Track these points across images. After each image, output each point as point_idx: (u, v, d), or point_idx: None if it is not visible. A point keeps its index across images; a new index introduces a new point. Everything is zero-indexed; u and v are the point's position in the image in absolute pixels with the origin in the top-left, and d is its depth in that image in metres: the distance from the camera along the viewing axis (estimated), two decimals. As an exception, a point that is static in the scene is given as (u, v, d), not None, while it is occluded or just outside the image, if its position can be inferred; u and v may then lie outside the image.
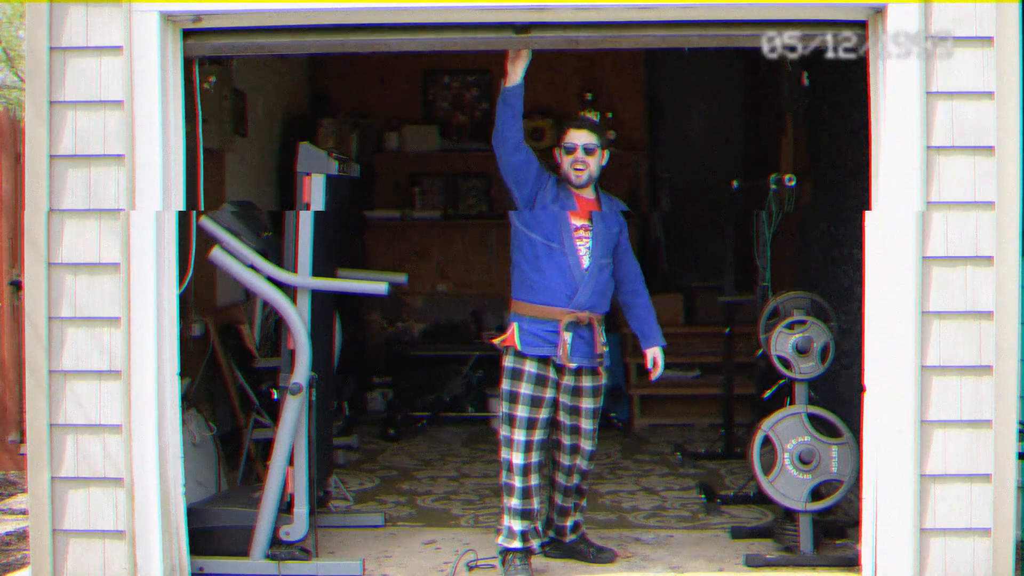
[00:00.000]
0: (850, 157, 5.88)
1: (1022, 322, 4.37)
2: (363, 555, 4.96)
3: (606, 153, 4.72)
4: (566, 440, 4.80)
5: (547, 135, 8.74)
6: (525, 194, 4.60)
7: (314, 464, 4.91)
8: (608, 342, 4.76)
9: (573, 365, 4.61)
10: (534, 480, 4.66)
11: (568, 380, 4.67)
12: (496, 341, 4.75)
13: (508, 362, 4.65)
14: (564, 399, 4.71)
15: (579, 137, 4.65)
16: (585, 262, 4.60)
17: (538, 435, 4.63)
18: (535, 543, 4.72)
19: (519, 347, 4.60)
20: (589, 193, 4.72)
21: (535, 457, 4.64)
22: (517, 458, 4.62)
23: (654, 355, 4.83)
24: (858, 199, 5.36)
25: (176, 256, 4.54)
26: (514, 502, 4.65)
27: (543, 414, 4.63)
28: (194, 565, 4.65)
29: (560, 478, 4.87)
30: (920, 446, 4.32)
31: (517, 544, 4.67)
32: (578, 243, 4.60)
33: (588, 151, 4.64)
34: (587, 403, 4.74)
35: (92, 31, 4.40)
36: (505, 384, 4.66)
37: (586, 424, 4.77)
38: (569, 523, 4.93)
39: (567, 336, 4.57)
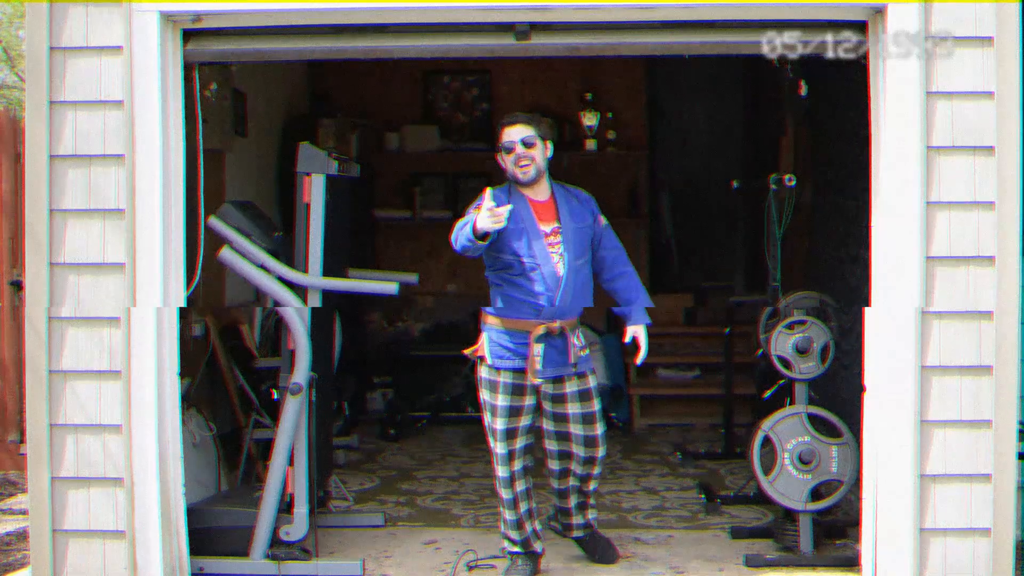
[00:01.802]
0: (851, 157, 5.88)
1: (1022, 322, 4.37)
2: (363, 555, 4.96)
3: (549, 145, 4.56)
4: (552, 446, 4.66)
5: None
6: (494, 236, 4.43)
7: (314, 464, 4.91)
8: (604, 343, 4.71)
9: (538, 381, 4.47)
10: (519, 487, 4.60)
11: (547, 387, 4.54)
12: (467, 352, 4.64)
13: (483, 372, 4.56)
14: (547, 406, 4.59)
15: (514, 133, 4.48)
16: (560, 269, 4.46)
17: (519, 443, 4.56)
18: (538, 546, 4.69)
19: (489, 360, 4.52)
20: (543, 192, 4.56)
21: (518, 465, 4.58)
22: (502, 471, 4.57)
23: (634, 332, 4.65)
24: (859, 199, 5.36)
25: (184, 257, 4.55)
26: (507, 514, 4.63)
27: (523, 422, 4.55)
28: (194, 565, 4.65)
29: (553, 482, 4.77)
30: (920, 446, 4.32)
31: (518, 550, 4.67)
32: (551, 250, 4.47)
33: (527, 144, 4.47)
34: (574, 408, 4.58)
35: (92, 31, 4.40)
36: (483, 395, 4.57)
37: (577, 429, 4.59)
38: (574, 521, 4.83)
39: (538, 348, 4.45)
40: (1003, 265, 4.28)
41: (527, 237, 4.46)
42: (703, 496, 5.90)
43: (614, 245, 4.72)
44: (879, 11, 4.33)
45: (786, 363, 4.96)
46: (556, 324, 4.47)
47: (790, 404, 5.00)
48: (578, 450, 4.63)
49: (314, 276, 4.82)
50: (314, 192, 4.82)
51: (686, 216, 9.02)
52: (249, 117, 6.96)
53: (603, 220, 4.70)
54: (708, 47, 4.53)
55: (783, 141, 7.43)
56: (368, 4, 4.40)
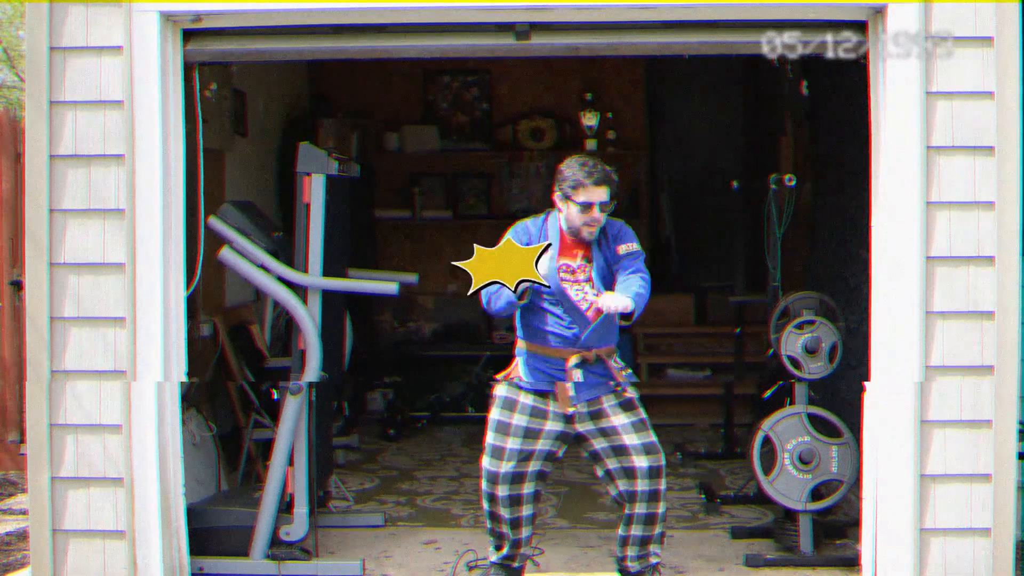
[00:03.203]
0: (851, 157, 5.88)
1: (1022, 322, 4.37)
2: (363, 555, 4.96)
3: (613, 203, 4.28)
4: (612, 464, 4.29)
5: (547, 135, 8.77)
6: None
7: (314, 464, 4.91)
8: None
9: (571, 410, 4.23)
10: (526, 511, 4.38)
11: (582, 407, 4.27)
12: (499, 376, 4.44)
13: (502, 391, 4.37)
14: (588, 427, 4.28)
15: (597, 195, 4.18)
16: (583, 304, 4.24)
17: (532, 466, 4.33)
18: (517, 564, 4.55)
19: (524, 378, 4.32)
20: None
21: (528, 488, 4.34)
22: (503, 490, 4.32)
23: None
24: (859, 199, 5.36)
25: (184, 257, 4.56)
26: (504, 529, 4.42)
27: (540, 445, 4.31)
28: (194, 565, 4.65)
29: (626, 508, 4.33)
30: (920, 446, 4.32)
31: (496, 559, 4.52)
32: (573, 288, 4.25)
33: (603, 208, 4.20)
34: (620, 419, 4.27)
35: (92, 31, 4.41)
36: (495, 414, 4.37)
37: (629, 439, 4.25)
38: (629, 553, 4.39)
39: (576, 374, 4.21)
40: (1003, 265, 4.28)
41: (554, 272, 4.25)
42: (703, 496, 5.91)
43: (635, 268, 4.30)
44: (879, 11, 4.33)
45: (796, 363, 4.96)
46: (591, 353, 4.24)
47: (790, 404, 5.00)
48: (640, 461, 4.26)
49: (314, 276, 4.83)
50: (314, 192, 4.82)
51: (686, 216, 9.02)
52: (249, 117, 6.96)
53: (627, 248, 4.31)
54: (708, 47, 4.53)
55: (783, 141, 7.43)
56: (368, 4, 4.40)
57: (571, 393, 4.24)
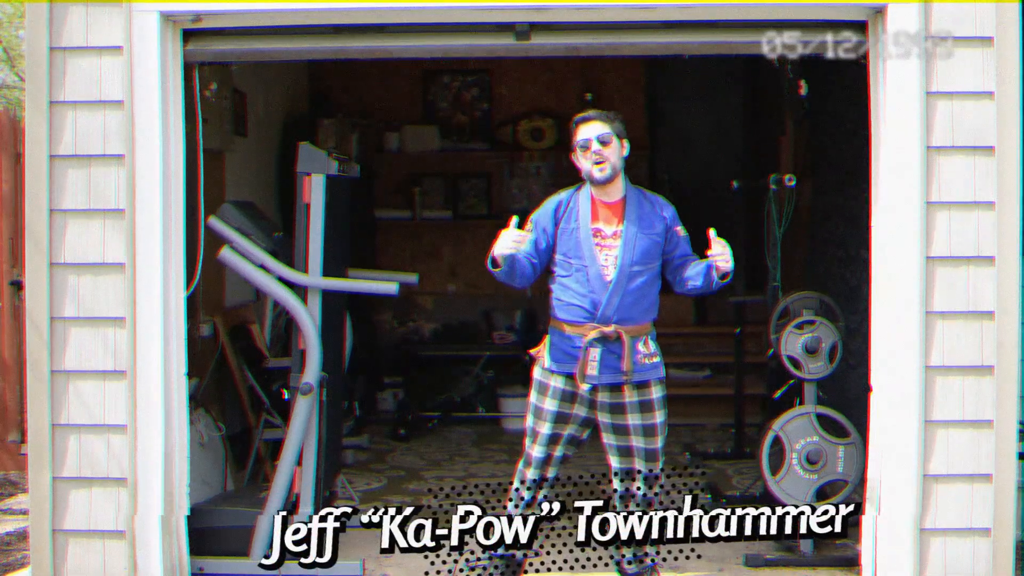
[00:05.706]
0: (851, 157, 5.88)
1: (1022, 322, 4.37)
2: (363, 555, 4.96)
3: (625, 143, 4.33)
4: (615, 462, 4.39)
5: (547, 135, 8.76)
6: (551, 243, 4.37)
7: (323, 464, 4.91)
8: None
9: (586, 386, 4.26)
10: (541, 493, 4.45)
11: (604, 397, 4.30)
12: (532, 351, 4.48)
13: (537, 374, 4.40)
14: (604, 418, 4.34)
15: (590, 130, 4.27)
16: (610, 273, 4.26)
17: (559, 451, 4.40)
18: (520, 555, 4.56)
19: (547, 363, 4.37)
20: (615, 192, 4.35)
21: (551, 472, 4.42)
22: (532, 473, 4.42)
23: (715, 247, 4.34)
24: (859, 199, 5.36)
25: (184, 257, 4.56)
26: (519, 508, 4.46)
27: (568, 430, 4.37)
28: (194, 565, 4.65)
29: (616, 504, 4.41)
30: (924, 446, 4.32)
31: (502, 551, 4.49)
32: (603, 253, 4.28)
33: (603, 142, 4.25)
34: (634, 419, 4.32)
35: (92, 31, 4.41)
36: (532, 397, 4.40)
37: (639, 442, 4.34)
38: (624, 554, 4.46)
39: (593, 352, 4.24)
40: (1003, 265, 4.28)
41: (577, 237, 4.31)
42: (709, 496, 5.90)
43: (688, 253, 4.52)
44: (879, 11, 4.33)
45: (796, 363, 4.97)
46: (611, 328, 4.24)
47: (799, 404, 5.01)
48: (640, 465, 4.37)
49: (314, 276, 4.83)
50: (314, 192, 4.82)
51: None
52: (249, 117, 6.96)
53: (681, 231, 4.51)
54: (708, 47, 4.54)
55: (783, 141, 7.43)
56: (368, 4, 4.40)
57: (591, 371, 4.26)
